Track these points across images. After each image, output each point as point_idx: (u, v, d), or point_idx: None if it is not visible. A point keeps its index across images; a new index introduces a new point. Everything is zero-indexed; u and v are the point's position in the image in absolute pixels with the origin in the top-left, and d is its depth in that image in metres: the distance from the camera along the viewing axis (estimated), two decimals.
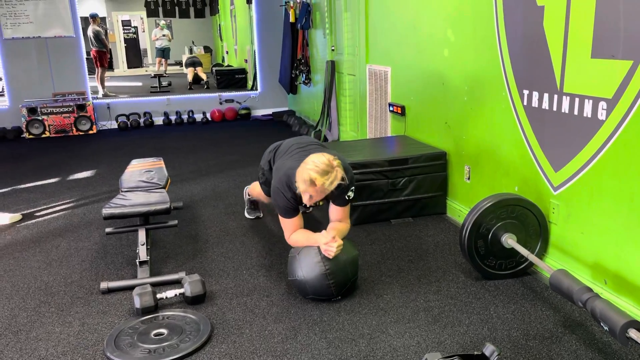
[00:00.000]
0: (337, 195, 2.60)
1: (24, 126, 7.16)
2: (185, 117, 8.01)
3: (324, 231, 2.54)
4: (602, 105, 2.25)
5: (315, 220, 3.51)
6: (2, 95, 8.22)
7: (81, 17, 7.54)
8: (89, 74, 7.73)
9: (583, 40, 2.32)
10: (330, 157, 2.43)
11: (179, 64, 14.71)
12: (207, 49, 15.70)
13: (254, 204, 3.74)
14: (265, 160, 3.09)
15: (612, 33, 2.17)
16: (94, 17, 9.66)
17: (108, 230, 2.97)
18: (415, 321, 2.33)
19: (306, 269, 2.46)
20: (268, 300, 2.57)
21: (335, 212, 2.68)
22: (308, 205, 2.63)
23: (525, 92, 2.74)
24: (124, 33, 16.49)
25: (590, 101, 2.32)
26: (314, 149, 2.73)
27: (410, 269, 2.84)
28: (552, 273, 2.24)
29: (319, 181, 2.36)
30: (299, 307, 2.48)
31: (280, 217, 2.70)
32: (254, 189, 3.50)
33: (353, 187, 2.64)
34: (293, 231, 2.66)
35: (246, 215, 3.77)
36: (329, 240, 2.46)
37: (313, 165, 2.38)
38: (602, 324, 1.93)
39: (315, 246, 2.51)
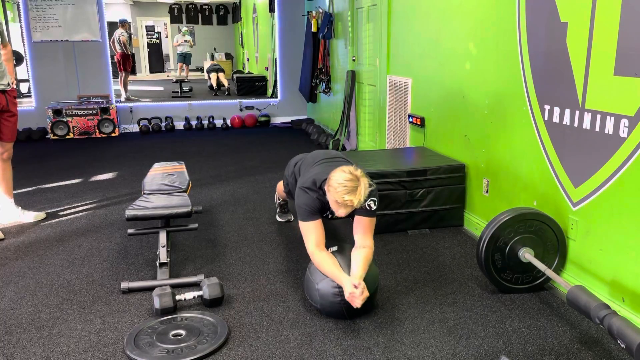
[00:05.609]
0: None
1: (49, 127, 7.32)
2: (205, 122, 8.11)
3: (351, 278, 2.38)
4: (624, 122, 2.26)
5: (334, 235, 3.54)
6: (29, 96, 8.41)
7: (107, 22, 7.71)
8: (112, 78, 7.88)
9: (606, 58, 2.33)
10: (352, 168, 2.44)
11: (200, 70, 14.89)
12: (228, 56, 15.88)
13: (285, 207, 3.79)
14: (290, 170, 3.09)
15: (636, 51, 2.18)
16: (123, 22, 9.93)
17: (130, 231, 3.03)
18: (430, 332, 2.35)
19: (324, 302, 2.44)
20: (284, 305, 2.60)
21: (360, 226, 2.58)
22: (339, 216, 2.60)
23: (547, 107, 2.75)
24: (147, 38, 16.77)
25: (612, 118, 2.32)
26: (341, 162, 2.71)
27: (426, 280, 2.86)
28: (569, 289, 2.24)
29: (355, 201, 2.36)
30: (314, 314, 2.51)
31: (300, 224, 2.60)
32: (280, 189, 3.60)
33: (374, 198, 2.58)
34: (316, 240, 2.54)
35: (277, 218, 3.83)
36: (355, 292, 2.32)
37: (342, 187, 2.36)
38: (619, 342, 1.93)
39: (336, 284, 2.40)
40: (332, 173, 2.45)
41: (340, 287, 2.39)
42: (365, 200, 2.52)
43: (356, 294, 2.30)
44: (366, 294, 2.33)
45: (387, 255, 3.19)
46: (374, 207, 2.59)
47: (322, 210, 2.63)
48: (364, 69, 5.60)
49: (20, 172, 5.08)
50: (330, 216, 2.74)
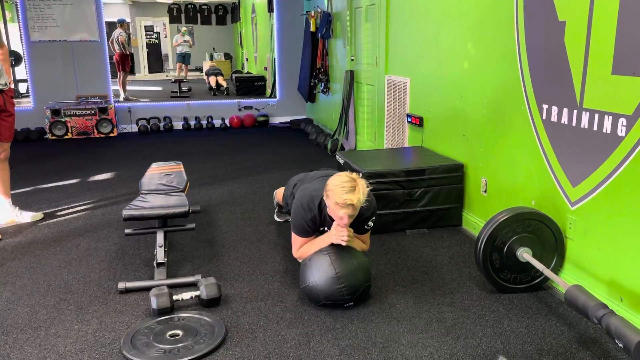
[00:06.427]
0: (357, 224, 2.63)
1: (47, 127, 7.31)
2: (204, 122, 8.10)
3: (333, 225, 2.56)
4: (622, 121, 2.25)
5: None
6: (27, 96, 8.40)
7: (106, 22, 7.69)
8: (111, 78, 7.87)
9: (604, 57, 2.32)
10: (347, 173, 2.51)
11: (200, 69, 14.88)
12: (227, 56, 15.87)
13: (283, 208, 3.80)
14: (289, 191, 3.14)
15: (634, 50, 2.18)
16: (121, 22, 9.93)
17: (127, 231, 3.02)
18: (428, 332, 2.34)
19: (317, 274, 2.49)
20: (282, 305, 2.59)
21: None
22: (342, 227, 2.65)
23: (545, 106, 2.74)
24: (146, 38, 16.75)
25: (610, 117, 2.32)
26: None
27: (424, 280, 2.85)
28: (567, 288, 2.23)
29: (354, 199, 2.39)
30: (312, 314, 2.50)
31: (292, 234, 2.74)
32: (279, 194, 3.64)
33: (374, 218, 2.68)
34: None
35: (275, 218, 3.84)
36: (339, 227, 2.49)
37: (340, 188, 2.40)
38: (617, 341, 1.92)
39: (326, 250, 2.53)
40: (328, 180, 2.51)
41: (329, 251, 2.51)
42: (367, 220, 2.63)
43: (340, 226, 2.48)
44: (351, 230, 2.51)
45: (385, 255, 3.19)
46: (371, 226, 2.71)
47: (315, 229, 2.71)
48: (363, 68, 5.59)
49: (18, 172, 5.08)
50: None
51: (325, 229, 2.73)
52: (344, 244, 2.51)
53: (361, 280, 2.53)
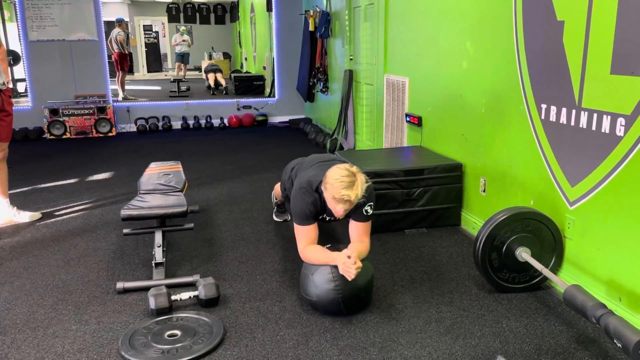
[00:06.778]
0: (354, 210, 2.57)
1: (46, 127, 7.30)
2: (203, 122, 8.09)
3: (344, 250, 2.44)
4: (621, 121, 2.25)
5: (331, 236, 3.53)
6: (25, 96, 8.38)
7: (104, 21, 7.68)
8: (110, 77, 7.86)
9: (602, 56, 2.32)
10: (347, 166, 2.46)
11: (198, 69, 14.86)
12: (226, 55, 15.86)
13: (282, 207, 3.79)
14: (287, 175, 3.11)
15: (632, 49, 2.18)
16: (120, 22, 9.93)
17: (126, 231, 3.02)
18: (427, 332, 2.34)
19: (319, 292, 2.43)
20: (280, 305, 2.59)
21: (355, 229, 2.62)
22: (337, 217, 2.60)
23: (543, 106, 2.74)
24: (145, 38, 16.73)
25: (609, 117, 2.32)
26: (337, 163, 2.69)
27: (423, 280, 2.85)
28: (566, 288, 2.23)
29: (352, 195, 2.36)
30: (310, 314, 2.50)
31: (295, 226, 2.63)
32: (277, 191, 3.61)
33: (371, 203, 2.59)
34: (307, 243, 2.58)
35: (274, 217, 3.82)
36: (349, 262, 2.36)
37: (339, 183, 2.37)
38: (615, 341, 1.92)
39: (330, 270, 2.43)
40: (328, 171, 2.46)
41: (334, 273, 2.41)
42: (363, 205, 2.55)
43: (349, 263, 2.35)
44: (359, 264, 2.38)
45: (384, 254, 3.19)
46: (370, 212, 2.62)
47: (317, 214, 2.63)
48: (362, 67, 5.59)
49: (16, 172, 5.07)
50: (327, 219, 2.73)
51: (325, 216, 2.68)
52: (349, 279, 2.38)
53: (363, 299, 2.50)
